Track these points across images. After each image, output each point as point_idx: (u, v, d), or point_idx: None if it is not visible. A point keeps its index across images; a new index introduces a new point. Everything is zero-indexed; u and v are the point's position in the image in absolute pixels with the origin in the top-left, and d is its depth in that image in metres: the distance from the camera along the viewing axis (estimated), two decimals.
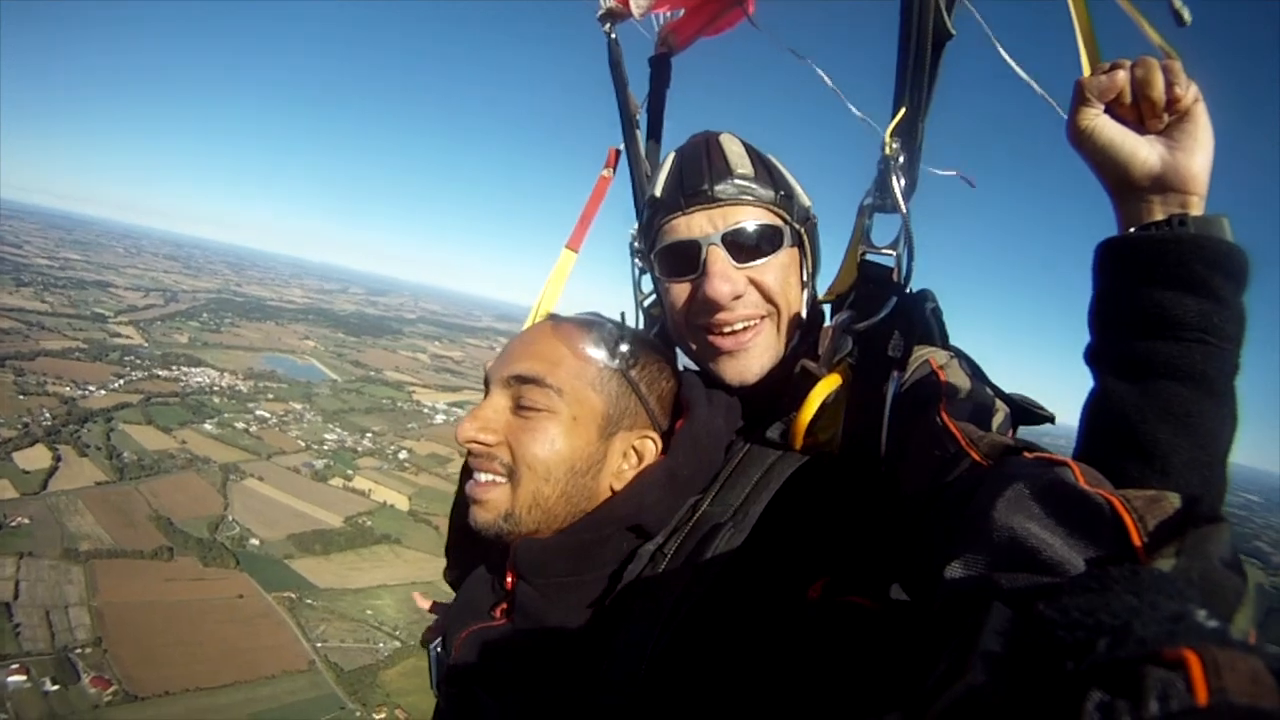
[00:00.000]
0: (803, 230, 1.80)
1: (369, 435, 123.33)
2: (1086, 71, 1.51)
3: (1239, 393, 1.35)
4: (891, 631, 1.17)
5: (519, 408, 1.58)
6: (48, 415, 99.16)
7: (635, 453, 1.64)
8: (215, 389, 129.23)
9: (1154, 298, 1.33)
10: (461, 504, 1.77)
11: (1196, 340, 1.30)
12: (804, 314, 1.83)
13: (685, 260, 1.73)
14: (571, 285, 2.51)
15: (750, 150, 1.80)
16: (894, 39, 1.72)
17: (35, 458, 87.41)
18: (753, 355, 1.73)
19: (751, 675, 1.22)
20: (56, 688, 53.02)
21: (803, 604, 1.27)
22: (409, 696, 60.47)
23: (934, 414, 1.35)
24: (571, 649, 1.45)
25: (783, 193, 1.75)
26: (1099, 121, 1.44)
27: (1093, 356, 1.44)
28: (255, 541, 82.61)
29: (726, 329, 1.71)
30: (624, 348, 1.64)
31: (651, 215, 1.82)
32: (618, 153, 2.52)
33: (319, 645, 66.56)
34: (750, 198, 1.70)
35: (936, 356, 1.57)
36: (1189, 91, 1.37)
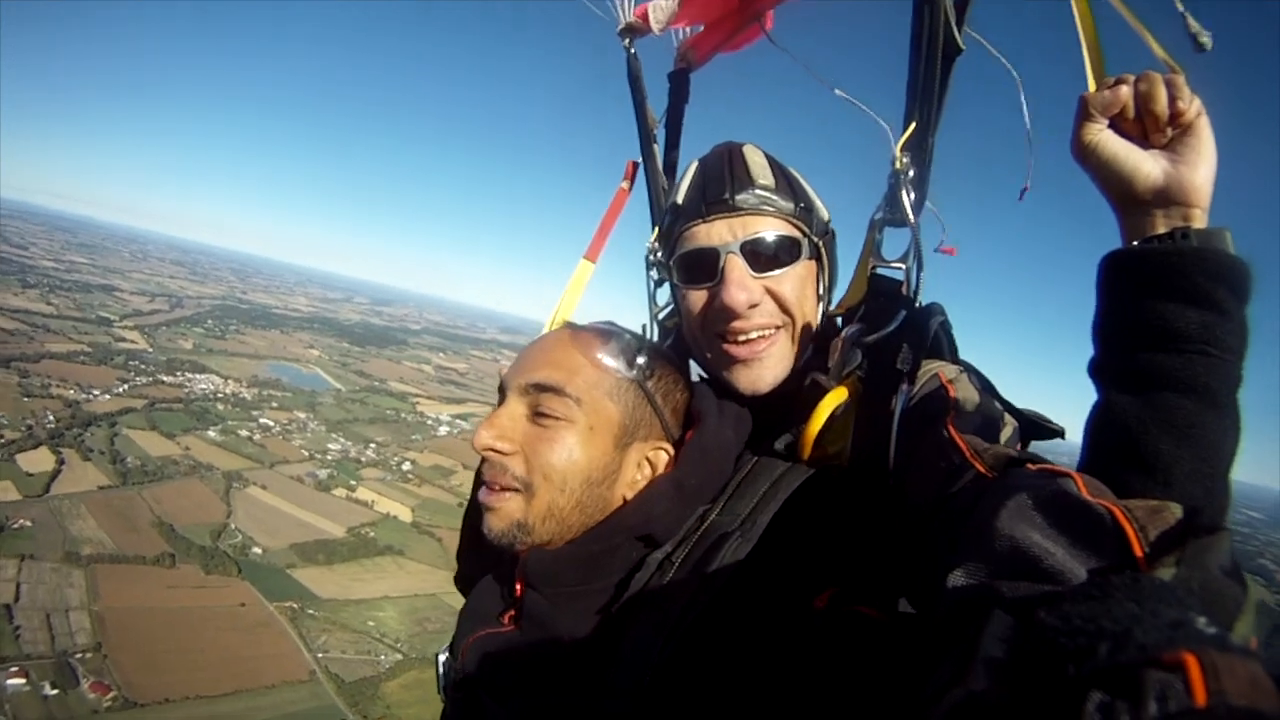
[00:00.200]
0: (821, 244, 1.83)
1: (373, 446, 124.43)
2: (1092, 87, 1.55)
3: (1242, 405, 1.38)
4: (897, 640, 1.19)
5: (536, 415, 1.59)
6: (51, 418, 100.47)
7: (649, 463, 1.67)
8: (219, 396, 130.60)
9: (1156, 310, 1.35)
10: (475, 509, 1.83)
11: (1198, 352, 1.32)
12: (818, 327, 1.86)
13: (704, 267, 1.76)
14: (586, 295, 2.55)
15: (772, 162, 1.83)
16: (904, 54, 1.80)
17: (38, 460, 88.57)
18: (766, 365, 1.76)
19: (756, 683, 1.24)
20: (56, 692, 53.59)
21: (809, 613, 1.29)
22: (410, 709, 60.70)
23: (941, 427, 1.38)
24: (578, 656, 1.48)
25: (802, 205, 1.78)
26: (1102, 136, 1.47)
27: (1096, 370, 1.47)
28: (257, 550, 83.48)
29: (741, 337, 1.74)
30: (641, 359, 1.66)
31: (672, 222, 1.86)
32: (635, 166, 2.58)
33: (320, 655, 67.09)
34: (770, 209, 1.74)
35: (946, 370, 1.60)
36: (1192, 105, 1.40)
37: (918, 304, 1.72)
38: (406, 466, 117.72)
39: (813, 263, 1.82)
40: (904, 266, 1.77)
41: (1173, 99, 1.40)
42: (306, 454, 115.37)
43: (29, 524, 74.35)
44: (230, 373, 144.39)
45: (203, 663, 62.19)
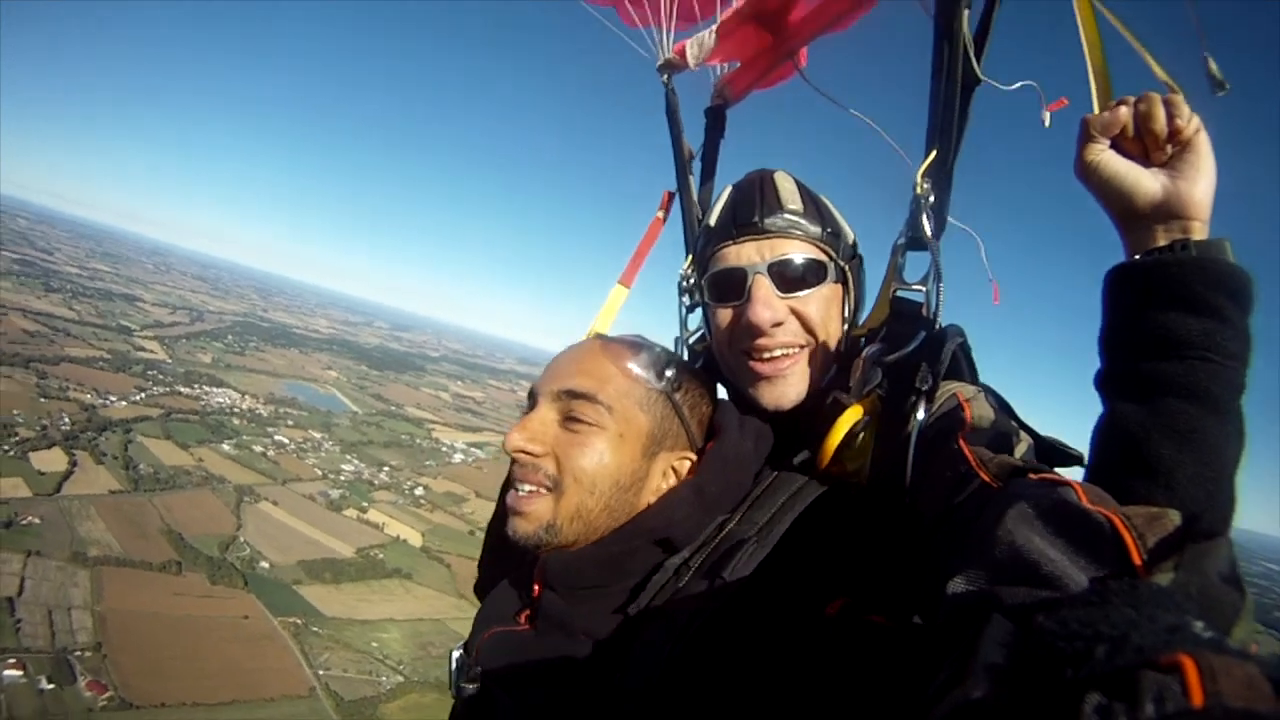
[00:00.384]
0: (846, 267, 1.89)
1: (386, 469, 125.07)
2: (1097, 109, 1.63)
3: (1245, 413, 1.42)
4: (906, 647, 1.21)
5: (567, 420, 1.64)
6: (67, 420, 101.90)
7: (674, 473, 1.72)
8: (235, 410, 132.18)
9: (1158, 319, 1.41)
10: (499, 517, 1.89)
11: (1200, 358, 1.37)
12: (842, 348, 1.91)
13: (732, 287, 1.84)
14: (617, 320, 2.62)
15: (802, 188, 1.91)
16: (923, 84, 1.88)
17: (51, 460, 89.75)
18: (789, 382, 1.82)
19: (764, 684, 1.27)
20: (52, 686, 53.90)
21: (820, 618, 1.32)
22: None
23: (953, 441, 1.43)
24: (591, 654, 1.52)
25: (830, 230, 1.86)
26: (1104, 156, 1.54)
27: (1101, 380, 1.53)
28: (265, 564, 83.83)
29: (765, 355, 1.81)
30: (670, 372, 1.73)
31: (705, 244, 1.95)
32: (671, 196, 2.66)
33: (321, 673, 67.00)
34: (798, 232, 1.82)
35: (964, 391, 1.64)
36: (1190, 123, 1.47)
37: (938, 325, 1.76)
38: (419, 491, 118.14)
39: (838, 286, 1.89)
40: (924, 289, 1.83)
41: (1171, 118, 1.48)
42: (320, 473, 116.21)
43: (37, 521, 75.14)
44: (248, 388, 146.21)
45: (202, 671, 62.25)
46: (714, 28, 2.44)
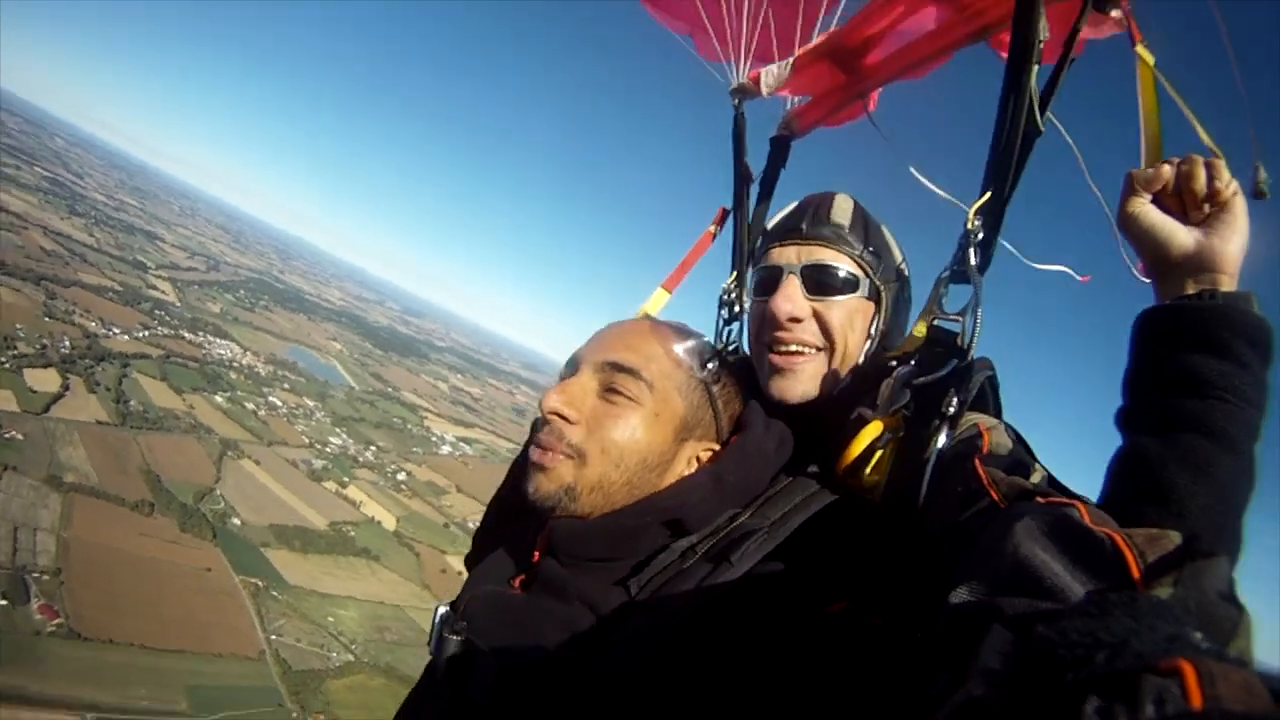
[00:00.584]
0: (883, 288, 1.97)
1: (373, 449, 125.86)
2: (1143, 165, 1.73)
3: (1259, 462, 1.49)
4: (906, 651, 1.23)
5: (606, 392, 1.67)
6: (68, 343, 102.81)
7: (698, 461, 1.75)
8: (235, 364, 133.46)
9: (1181, 359, 1.49)
10: (507, 484, 1.96)
11: (1218, 399, 1.44)
12: (860, 362, 1.98)
13: (768, 283, 1.98)
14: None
15: (858, 209, 2.02)
16: (971, 124, 2.71)
17: (45, 380, 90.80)
18: (798, 378, 1.91)
19: (755, 674, 1.29)
20: (3, 603, 54.26)
21: (821, 616, 1.35)
22: (350, 711, 60.79)
23: (967, 462, 1.47)
24: (582, 623, 1.54)
25: (871, 249, 1.96)
26: (1144, 208, 1.64)
27: (1122, 417, 1.60)
28: (236, 521, 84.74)
29: (782, 348, 1.92)
30: (712, 363, 1.79)
31: (760, 244, 2.13)
32: (726, 212, 2.73)
33: (273, 638, 67.45)
34: (839, 243, 1.93)
35: (985, 421, 1.69)
36: (1229, 187, 1.55)
37: (970, 356, 1.78)
38: (402, 476, 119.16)
39: (869, 303, 1.97)
40: (961, 320, 1.85)
41: (1211, 179, 1.57)
42: (306, 441, 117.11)
43: (20, 437, 75.92)
44: (250, 345, 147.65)
45: (156, 615, 62.82)
46: (790, 59, 2.52)
